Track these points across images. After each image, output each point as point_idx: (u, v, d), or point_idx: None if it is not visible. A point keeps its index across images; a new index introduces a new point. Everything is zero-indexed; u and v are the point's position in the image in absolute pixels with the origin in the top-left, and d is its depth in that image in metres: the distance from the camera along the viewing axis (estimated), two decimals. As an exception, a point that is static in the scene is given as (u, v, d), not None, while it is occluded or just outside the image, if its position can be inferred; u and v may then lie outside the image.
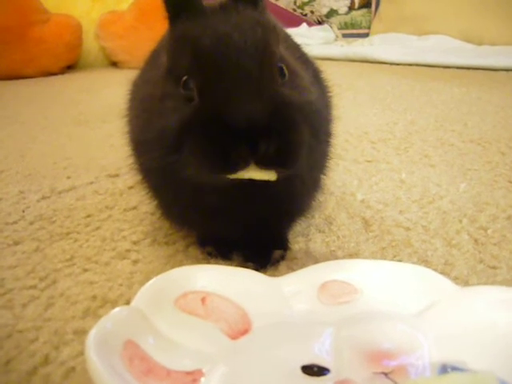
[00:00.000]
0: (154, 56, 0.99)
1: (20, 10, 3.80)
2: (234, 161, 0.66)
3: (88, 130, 2.07)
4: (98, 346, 0.51)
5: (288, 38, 1.05)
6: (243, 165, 0.66)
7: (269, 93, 0.68)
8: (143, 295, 0.63)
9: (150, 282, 0.65)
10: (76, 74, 4.15)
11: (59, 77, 4.01)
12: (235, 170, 0.67)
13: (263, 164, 0.67)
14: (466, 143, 1.64)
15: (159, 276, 0.66)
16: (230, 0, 0.79)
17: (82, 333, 0.73)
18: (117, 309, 0.59)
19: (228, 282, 0.67)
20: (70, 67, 4.28)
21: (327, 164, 0.96)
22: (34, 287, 0.86)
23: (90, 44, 4.38)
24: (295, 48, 1.02)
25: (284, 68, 0.75)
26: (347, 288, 0.67)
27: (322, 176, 0.95)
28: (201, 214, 0.85)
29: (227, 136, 0.65)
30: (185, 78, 0.73)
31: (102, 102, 2.64)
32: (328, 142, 0.92)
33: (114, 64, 4.44)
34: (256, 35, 0.71)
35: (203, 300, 0.64)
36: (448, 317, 0.60)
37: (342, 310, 0.65)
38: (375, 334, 0.60)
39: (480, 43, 4.52)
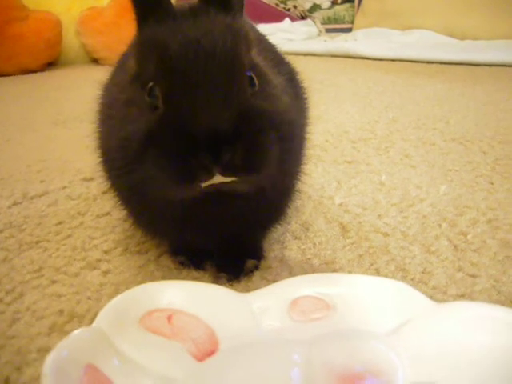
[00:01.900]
0: (123, 59, 0.96)
1: (-1, 7, 3.75)
2: (196, 171, 0.63)
3: (65, 131, 2.03)
4: (54, 374, 0.49)
5: (262, 40, 1.02)
6: (206, 174, 0.63)
7: (236, 102, 0.65)
8: (106, 314, 0.61)
9: (114, 300, 0.63)
10: (56, 72, 4.10)
11: (39, 74, 3.96)
12: (197, 181, 0.64)
13: (228, 172, 0.64)
14: (448, 142, 1.62)
15: (123, 293, 0.64)
16: (201, 3, 0.76)
17: (46, 351, 0.70)
18: (77, 330, 0.56)
19: (196, 298, 0.65)
20: (51, 64, 4.23)
21: (301, 169, 0.93)
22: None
23: (71, 41, 4.33)
24: (269, 50, 1.00)
25: (254, 77, 0.72)
26: (319, 304, 0.65)
27: (296, 181, 0.93)
28: (170, 224, 0.82)
29: (189, 146, 0.62)
30: (150, 84, 0.70)
31: (80, 100, 2.57)
32: (301, 147, 0.90)
33: (95, 61, 4.39)
34: (226, 42, 0.69)
35: (169, 318, 0.62)
36: (423, 336, 0.58)
37: (313, 328, 0.62)
38: (348, 353, 0.57)
39: (463, 38, 4.52)
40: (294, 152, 0.83)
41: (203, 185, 0.65)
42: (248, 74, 0.72)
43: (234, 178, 0.65)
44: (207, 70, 0.65)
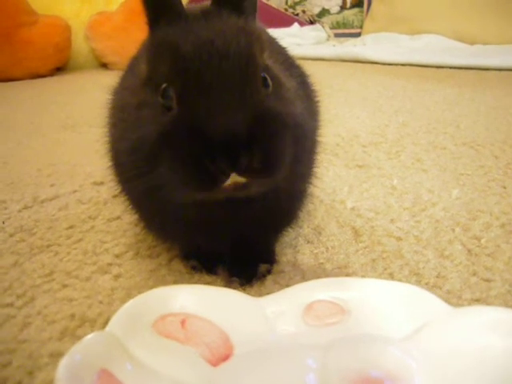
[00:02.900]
0: (133, 63, 0.95)
1: (7, 12, 3.76)
2: (214, 176, 0.62)
3: (74, 135, 2.04)
4: (68, 379, 0.48)
5: (273, 42, 1.02)
6: (224, 178, 0.63)
7: (251, 103, 0.65)
8: (119, 319, 0.60)
9: (126, 304, 0.62)
10: (65, 76, 4.12)
11: (48, 79, 3.98)
12: (215, 186, 0.63)
13: (244, 175, 0.63)
14: (459, 146, 1.61)
15: (136, 298, 0.63)
16: (213, 6, 0.76)
17: (57, 356, 0.69)
18: (90, 335, 0.55)
19: (209, 302, 0.64)
20: (60, 69, 4.24)
21: (313, 173, 0.93)
22: (10, 305, 0.83)
23: (80, 45, 4.34)
24: (281, 53, 0.99)
25: (268, 78, 0.72)
26: (334, 309, 0.64)
27: (309, 185, 0.92)
28: (183, 228, 0.81)
29: (206, 149, 0.61)
30: (164, 85, 0.69)
31: (90, 104, 2.58)
32: (314, 151, 0.89)
33: (104, 65, 4.41)
34: (240, 43, 0.68)
35: (183, 323, 0.61)
36: (439, 341, 0.57)
37: (328, 333, 0.61)
38: (363, 358, 0.56)
39: (472, 42, 4.51)
40: (306, 154, 0.82)
41: (220, 189, 0.64)
42: (262, 74, 0.71)
43: (249, 179, 0.65)
44: (221, 70, 0.65)
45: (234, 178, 0.63)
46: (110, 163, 0.90)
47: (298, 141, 0.72)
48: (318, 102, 1.06)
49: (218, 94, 0.64)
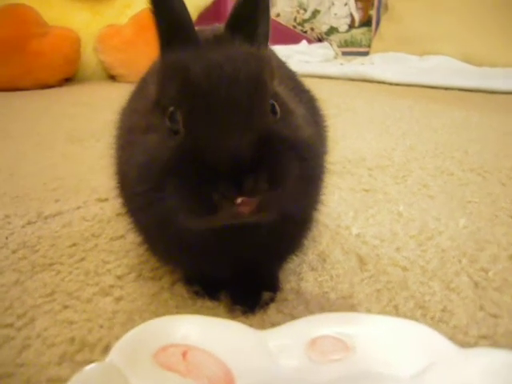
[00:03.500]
0: (142, 84, 0.95)
1: (19, 23, 3.79)
2: (217, 203, 0.61)
3: (81, 149, 2.03)
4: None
5: (283, 67, 1.02)
6: (228, 205, 0.61)
7: (257, 128, 0.64)
8: (120, 349, 0.59)
9: (128, 333, 0.61)
10: (73, 87, 4.13)
11: (56, 89, 3.98)
12: (218, 213, 0.62)
13: (249, 203, 0.61)
14: (466, 172, 1.60)
15: (138, 327, 0.62)
16: (226, 31, 0.76)
17: (56, 382, 0.69)
18: (90, 365, 0.54)
19: (211, 334, 0.63)
20: (68, 80, 4.26)
21: (320, 199, 0.92)
22: (10, 326, 0.82)
23: (89, 57, 4.36)
24: (290, 78, 0.99)
25: (276, 105, 0.71)
26: (338, 345, 0.63)
27: (315, 212, 0.91)
28: (187, 252, 0.80)
29: (209, 175, 0.61)
30: (171, 108, 0.69)
31: (97, 117, 2.60)
32: (321, 177, 0.88)
33: (113, 77, 4.42)
34: (250, 69, 0.68)
35: (184, 354, 0.60)
36: (446, 382, 0.56)
37: (332, 369, 0.60)
38: (367, 398, 0.55)
39: (480, 64, 4.51)
40: (314, 181, 0.81)
41: (225, 216, 0.63)
42: (270, 101, 0.71)
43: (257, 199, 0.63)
44: (229, 95, 0.64)
45: (244, 202, 0.62)
46: (116, 185, 0.90)
47: (307, 165, 0.71)
48: (326, 127, 1.05)
49: (225, 118, 0.63)
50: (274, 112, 0.71)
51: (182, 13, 0.73)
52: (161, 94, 0.73)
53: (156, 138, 0.70)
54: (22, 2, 3.93)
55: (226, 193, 0.60)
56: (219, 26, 0.84)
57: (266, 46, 0.80)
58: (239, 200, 0.61)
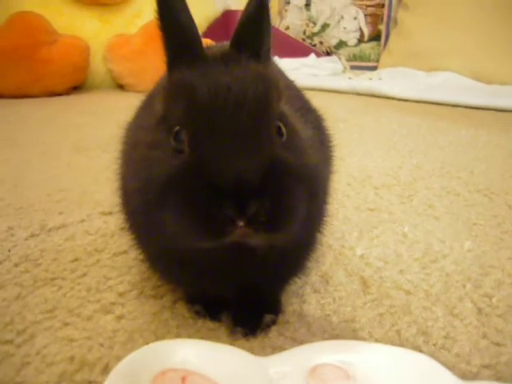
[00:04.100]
0: (149, 100, 0.95)
1: (28, 31, 3.80)
2: (220, 225, 0.61)
3: (87, 160, 2.03)
4: None
5: (290, 86, 1.02)
6: (230, 229, 0.61)
7: (264, 153, 0.64)
8: (119, 372, 0.58)
9: (128, 357, 0.61)
10: (81, 96, 4.14)
11: (64, 97, 3.99)
12: (221, 236, 0.62)
13: (252, 227, 0.61)
14: (472, 193, 1.59)
15: (138, 350, 0.62)
16: (232, 50, 0.75)
17: (53, 402, 0.68)
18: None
19: (211, 360, 0.63)
20: (76, 88, 4.27)
21: (324, 221, 0.91)
22: (10, 342, 0.81)
23: (98, 66, 4.37)
24: (297, 97, 0.99)
25: (282, 127, 0.71)
26: (339, 373, 0.62)
27: (319, 234, 0.90)
28: (188, 272, 0.80)
29: (213, 196, 0.60)
30: (177, 128, 0.68)
31: (104, 127, 2.60)
32: (325, 201, 0.88)
33: (121, 87, 4.43)
34: (257, 90, 0.67)
35: (183, 379, 0.60)
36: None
37: (332, 398, 0.60)
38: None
39: (489, 82, 4.49)
40: (319, 208, 0.81)
41: (226, 240, 0.63)
42: (277, 124, 0.70)
43: (255, 232, 0.63)
44: (236, 117, 0.64)
45: (242, 230, 0.62)
46: (119, 200, 0.90)
47: (312, 195, 0.71)
48: (332, 147, 1.05)
49: (231, 140, 0.63)
50: (280, 134, 0.70)
51: (189, 28, 0.73)
52: (167, 111, 0.73)
53: (160, 155, 0.70)
54: (31, 10, 3.95)
55: (228, 213, 0.60)
56: (227, 44, 0.84)
57: (270, 62, 0.79)
58: (241, 223, 0.60)
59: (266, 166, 0.63)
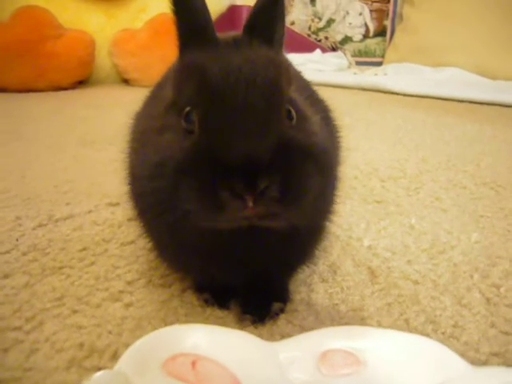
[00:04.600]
0: (158, 89, 0.95)
1: (34, 25, 3.81)
2: (230, 202, 0.60)
3: (93, 152, 2.03)
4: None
5: (299, 77, 1.01)
6: (240, 205, 0.61)
7: (273, 131, 0.64)
8: (129, 357, 0.58)
9: (138, 341, 0.60)
10: (87, 90, 4.14)
11: (69, 92, 4.00)
12: (231, 213, 0.61)
13: (262, 203, 0.61)
14: (479, 186, 1.59)
15: (148, 335, 0.62)
16: (244, 35, 0.76)
17: (63, 387, 0.68)
18: (99, 373, 0.54)
19: (221, 345, 0.62)
20: (82, 82, 4.27)
21: (333, 209, 0.91)
22: (18, 329, 0.81)
23: (103, 60, 4.38)
24: (306, 88, 0.99)
25: (292, 111, 0.71)
26: (349, 359, 0.62)
27: (327, 222, 0.90)
28: (198, 259, 0.80)
29: (222, 173, 0.60)
30: (187, 109, 0.69)
31: (110, 121, 2.61)
32: (335, 186, 0.87)
33: (126, 81, 4.43)
34: (268, 73, 0.68)
35: (194, 364, 0.60)
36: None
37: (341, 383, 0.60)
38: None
39: (494, 77, 4.48)
40: (329, 189, 0.81)
41: (237, 216, 0.63)
42: (287, 107, 0.70)
43: (270, 213, 0.63)
44: (247, 97, 0.64)
45: (254, 207, 0.61)
46: (127, 186, 0.90)
47: (322, 173, 0.70)
48: (339, 137, 1.05)
49: (241, 120, 0.63)
50: (289, 117, 0.71)
51: (203, 13, 0.74)
52: (177, 94, 0.73)
53: (170, 137, 0.70)
54: (37, 4, 3.95)
55: (237, 190, 0.60)
56: (238, 33, 0.84)
57: (282, 50, 0.80)
58: (251, 200, 0.60)
59: (276, 145, 0.63)
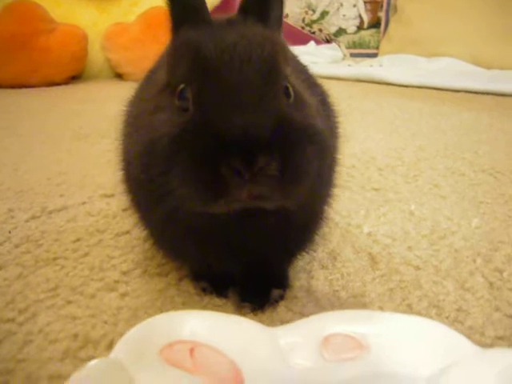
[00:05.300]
0: (150, 74, 0.93)
1: (26, 19, 3.77)
2: (228, 181, 0.58)
3: (87, 146, 2.01)
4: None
5: (295, 60, 0.99)
6: (238, 181, 0.58)
7: (272, 108, 0.62)
8: (124, 345, 0.57)
9: (133, 329, 0.58)
10: (80, 85, 4.10)
11: (63, 87, 3.96)
12: (229, 191, 0.59)
13: (261, 181, 0.59)
14: (478, 173, 1.57)
15: (144, 322, 0.60)
16: (239, 14, 0.74)
17: (57, 378, 0.67)
18: (93, 361, 0.52)
19: (220, 331, 0.60)
20: (75, 77, 4.24)
21: (332, 194, 0.89)
22: (12, 320, 0.80)
23: (96, 55, 4.34)
24: (302, 71, 0.97)
25: (290, 88, 0.69)
26: (352, 343, 0.60)
27: (326, 206, 0.88)
28: (194, 245, 0.77)
29: (219, 150, 0.58)
30: (181, 86, 0.66)
31: (103, 115, 2.56)
32: (333, 169, 0.85)
33: (119, 76, 4.40)
34: (264, 49, 0.66)
35: (191, 351, 0.58)
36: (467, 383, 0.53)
37: (346, 369, 0.58)
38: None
39: (489, 67, 4.47)
40: (327, 172, 0.79)
41: (235, 195, 0.60)
42: (284, 84, 0.68)
43: (269, 194, 0.61)
44: (242, 73, 0.62)
45: (252, 186, 0.59)
46: (121, 171, 0.88)
47: (321, 156, 0.68)
48: (337, 122, 1.03)
49: (237, 95, 0.61)
50: (287, 94, 0.68)
51: None
52: (171, 73, 0.71)
53: (164, 117, 0.68)
54: (29, -1, 3.92)
55: (237, 168, 0.57)
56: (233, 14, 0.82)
57: (280, 31, 0.78)
58: (249, 177, 0.58)
59: (274, 121, 0.60)
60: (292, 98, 0.69)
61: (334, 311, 0.65)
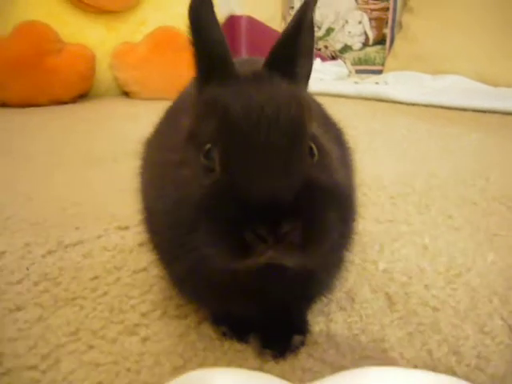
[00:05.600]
0: (171, 116, 0.94)
1: (35, 39, 3.79)
2: (252, 245, 0.59)
3: (99, 171, 2.01)
4: None
5: (313, 101, 1.00)
6: (262, 249, 0.60)
7: (297, 173, 0.63)
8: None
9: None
10: (87, 104, 4.10)
11: (70, 106, 3.96)
12: (252, 255, 0.60)
13: (285, 248, 0.60)
14: (489, 202, 1.57)
15: (177, 379, 0.60)
16: (265, 69, 0.75)
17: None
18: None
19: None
20: (82, 96, 4.25)
21: (352, 240, 0.89)
22: (34, 368, 0.80)
23: (103, 73, 4.35)
24: (321, 113, 0.98)
25: (314, 148, 0.70)
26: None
27: (347, 254, 0.89)
28: (215, 292, 0.78)
29: (244, 215, 0.59)
30: (208, 146, 0.67)
31: (113, 135, 2.60)
32: (354, 219, 0.86)
33: (126, 94, 4.41)
34: (290, 110, 0.67)
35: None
36: None
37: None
38: None
39: (494, 84, 4.46)
40: (349, 226, 0.80)
41: (259, 259, 0.61)
42: (308, 144, 0.69)
43: (290, 256, 0.62)
44: (269, 136, 0.63)
45: (275, 250, 0.61)
46: (143, 220, 0.89)
47: (343, 212, 0.70)
48: (353, 161, 1.04)
49: (263, 159, 0.62)
50: (311, 154, 0.69)
51: (221, 45, 0.73)
52: (197, 129, 0.72)
53: (190, 173, 0.69)
54: (38, 19, 3.93)
55: (262, 234, 0.58)
56: (252, 59, 0.83)
57: (307, 84, 0.79)
58: (273, 244, 0.59)
59: (299, 186, 0.62)
60: (316, 157, 0.70)
61: (359, 368, 0.65)
